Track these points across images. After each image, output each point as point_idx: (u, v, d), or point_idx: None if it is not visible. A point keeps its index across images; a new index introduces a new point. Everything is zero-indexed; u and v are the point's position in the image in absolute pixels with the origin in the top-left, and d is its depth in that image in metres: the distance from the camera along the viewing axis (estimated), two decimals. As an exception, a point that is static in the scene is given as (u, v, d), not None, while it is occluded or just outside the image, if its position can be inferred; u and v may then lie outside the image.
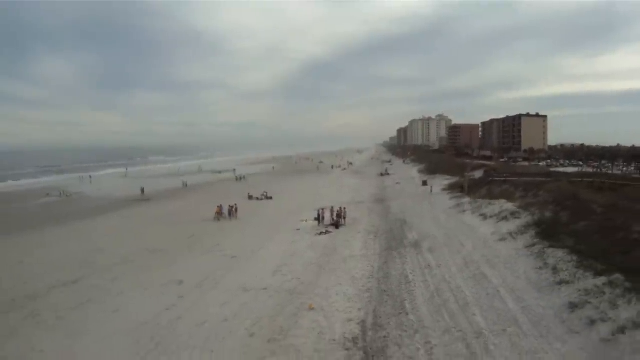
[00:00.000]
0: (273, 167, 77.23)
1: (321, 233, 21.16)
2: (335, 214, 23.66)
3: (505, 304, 10.39)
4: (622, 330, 8.57)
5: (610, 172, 59.34)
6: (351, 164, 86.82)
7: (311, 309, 10.84)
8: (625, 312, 9.10)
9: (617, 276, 10.86)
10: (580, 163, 74.89)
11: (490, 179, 32.16)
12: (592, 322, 9.09)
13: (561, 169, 65.71)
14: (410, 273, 13.43)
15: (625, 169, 61.81)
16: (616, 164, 64.21)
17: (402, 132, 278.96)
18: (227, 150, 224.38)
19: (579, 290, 10.58)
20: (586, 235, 15.57)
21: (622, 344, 8.24)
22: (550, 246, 14.10)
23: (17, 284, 15.27)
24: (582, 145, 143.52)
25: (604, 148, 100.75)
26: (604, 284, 10.57)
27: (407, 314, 10.22)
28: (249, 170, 73.35)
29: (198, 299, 12.37)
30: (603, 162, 66.96)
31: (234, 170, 76.32)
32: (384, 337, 9.05)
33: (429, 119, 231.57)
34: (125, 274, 15.79)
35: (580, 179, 33.25)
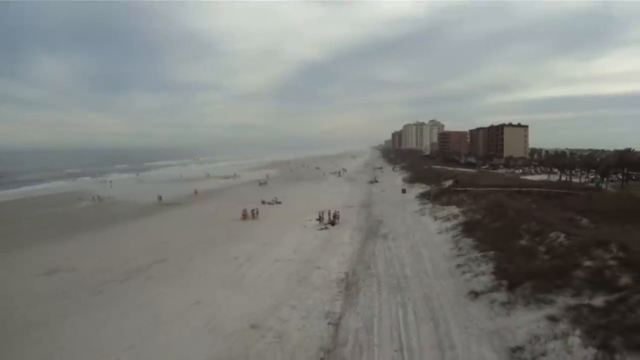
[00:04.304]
0: (267, 175, 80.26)
1: (321, 229, 29.55)
2: (331, 216, 32.12)
3: (425, 266, 19.02)
4: (476, 275, 17.02)
5: (570, 180, 68.09)
6: (345, 170, 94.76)
7: (318, 268, 19.43)
8: (482, 268, 17.52)
9: (492, 252, 19.30)
10: (556, 171, 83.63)
11: (454, 189, 40.75)
12: (464, 272, 17.55)
13: (529, 177, 74.53)
14: (377, 251, 22.13)
15: (585, 178, 70.36)
16: (575, 172, 72.58)
17: (397, 135, 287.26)
18: (223, 153, 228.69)
19: (466, 258, 19.07)
20: (493, 230, 23.94)
21: (473, 282, 16.63)
22: (465, 237, 22.66)
23: (121, 264, 21.75)
24: (564, 152, 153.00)
25: (562, 156, 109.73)
26: (480, 255, 19.01)
27: (370, 269, 18.91)
28: (252, 176, 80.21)
29: (251, 266, 20.78)
30: (565, 171, 75.19)
31: (234, 174, 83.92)
32: (357, 278, 17.72)
33: (422, 124, 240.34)
34: (194, 255, 23.32)
35: (529, 189, 41.95)
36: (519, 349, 11.12)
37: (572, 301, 13.02)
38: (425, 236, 24.72)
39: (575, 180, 67.02)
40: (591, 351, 10.25)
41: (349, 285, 17.00)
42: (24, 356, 12.61)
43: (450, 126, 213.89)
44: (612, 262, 14.88)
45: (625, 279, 13.46)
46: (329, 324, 13.55)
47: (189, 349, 12.47)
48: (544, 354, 10.68)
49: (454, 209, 30.08)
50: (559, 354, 10.54)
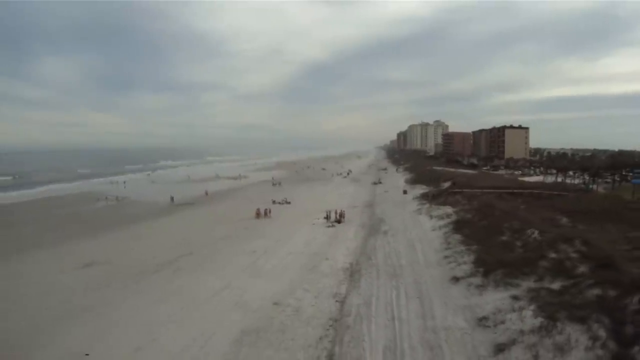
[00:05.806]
0: (272, 177, 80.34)
1: (329, 226, 32.81)
2: (337, 215, 35.33)
3: (418, 257, 22.25)
4: (459, 264, 20.12)
5: (564, 181, 70.60)
6: (350, 171, 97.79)
7: (327, 259, 22.69)
8: (465, 258, 20.61)
9: (475, 246, 22.42)
10: (554, 172, 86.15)
11: (450, 190, 43.76)
12: (450, 262, 20.68)
13: (527, 178, 77.19)
14: (377, 245, 25.41)
15: (579, 180, 72.84)
16: (572, 174, 75.01)
17: (402, 136, 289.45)
18: (229, 153, 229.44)
19: (453, 251, 22.19)
20: (479, 228, 27.00)
21: (456, 269, 19.69)
22: (455, 233, 25.80)
23: (149, 258, 23.88)
24: (565, 153, 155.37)
25: (562, 157, 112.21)
26: (465, 249, 22.13)
27: (371, 260, 22.20)
28: (259, 177, 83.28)
29: (268, 258, 24.03)
30: (562, 172, 77.63)
31: (239, 175, 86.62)
32: (360, 267, 21.06)
33: (427, 124, 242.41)
34: (216, 250, 26.22)
35: (522, 190, 44.78)
36: (484, 318, 14.27)
37: (534, 285, 16.10)
38: (420, 233, 27.92)
39: (570, 181, 69.68)
40: (539, 320, 13.34)
41: (353, 273, 20.33)
42: (85, 331, 14.98)
43: (455, 126, 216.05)
44: (573, 255, 17.87)
45: (582, 269, 16.40)
46: (336, 301, 16.89)
47: (224, 320, 15.70)
48: (503, 322, 13.80)
49: (449, 209, 33.14)
50: (514, 322, 13.64)
